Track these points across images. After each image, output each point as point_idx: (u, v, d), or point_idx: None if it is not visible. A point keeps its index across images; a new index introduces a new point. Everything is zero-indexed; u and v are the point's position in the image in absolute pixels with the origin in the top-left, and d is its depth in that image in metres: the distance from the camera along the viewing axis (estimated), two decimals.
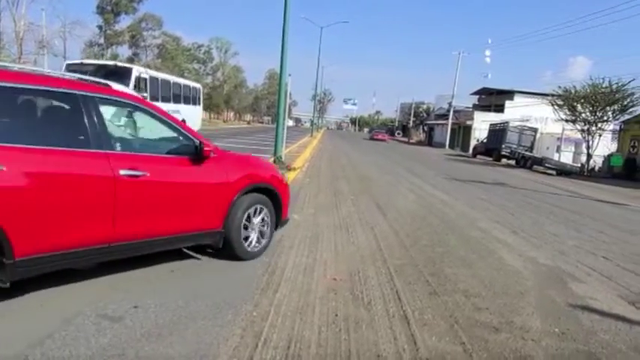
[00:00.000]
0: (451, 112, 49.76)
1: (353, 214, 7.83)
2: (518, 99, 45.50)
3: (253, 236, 4.78)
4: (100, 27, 48.51)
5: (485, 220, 8.57)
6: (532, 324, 3.79)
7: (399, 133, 76.89)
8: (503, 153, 32.49)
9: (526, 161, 28.92)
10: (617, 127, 28.75)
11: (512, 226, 8.10)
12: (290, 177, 11.12)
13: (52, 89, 3.39)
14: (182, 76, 60.42)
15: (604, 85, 26.61)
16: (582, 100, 27.40)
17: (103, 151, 3.44)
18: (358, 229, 6.79)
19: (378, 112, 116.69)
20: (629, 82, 26.00)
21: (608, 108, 26.54)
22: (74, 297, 3.51)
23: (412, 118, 74.77)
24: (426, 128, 69.65)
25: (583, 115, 27.54)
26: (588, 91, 27.24)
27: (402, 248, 5.89)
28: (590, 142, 27.65)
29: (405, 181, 14.26)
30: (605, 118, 26.93)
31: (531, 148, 33.02)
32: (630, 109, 26.25)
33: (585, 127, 27.59)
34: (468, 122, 47.23)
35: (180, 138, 4.21)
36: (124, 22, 50.07)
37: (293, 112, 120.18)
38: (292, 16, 12.38)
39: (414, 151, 38.07)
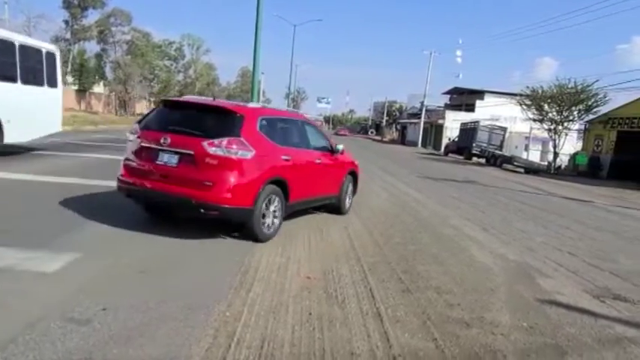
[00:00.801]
0: (423, 111, 50.41)
1: (326, 214, 7.83)
2: (488, 99, 46.45)
3: (347, 199, 7.91)
4: (66, 22, 47.14)
5: (457, 217, 8.71)
6: (502, 319, 3.87)
7: (372, 132, 77.39)
8: (474, 151, 33.10)
9: (496, 160, 29.55)
10: (583, 127, 29.65)
11: (483, 224, 8.26)
12: None
13: (296, 119, 6.96)
14: (153, 73, 59.60)
15: (570, 86, 27.39)
16: (549, 100, 28.13)
17: (310, 150, 6.78)
18: (332, 227, 6.80)
19: (351, 111, 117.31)
20: (594, 82, 26.88)
21: (573, 108, 27.33)
22: (39, 300, 3.40)
23: (385, 117, 75.38)
24: (399, 127, 70.35)
25: (550, 114, 28.28)
26: (555, 91, 27.98)
27: (375, 246, 5.93)
28: (557, 141, 28.43)
29: (379, 179, 14.36)
30: (571, 117, 27.72)
31: (501, 147, 33.74)
32: (594, 109, 27.08)
33: (552, 127, 28.34)
34: (440, 121, 47.93)
35: (324, 142, 7.36)
36: (92, 17, 48.81)
37: None
38: (266, 14, 12.32)
39: (387, 150, 38.38)
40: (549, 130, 28.75)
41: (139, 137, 5.55)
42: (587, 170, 26.21)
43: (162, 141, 5.17)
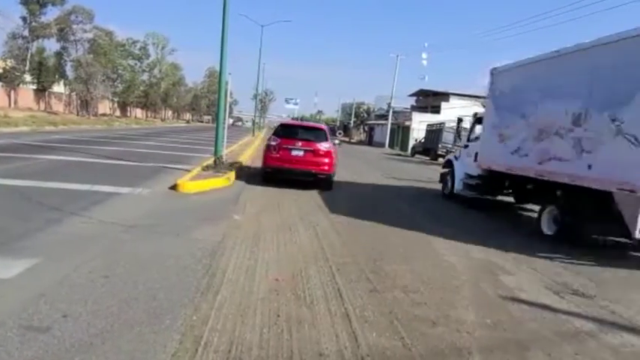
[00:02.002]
0: (390, 113, 50.99)
1: (295, 214, 7.83)
2: (453, 100, 47.41)
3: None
4: (24, 18, 45.30)
5: (423, 217, 8.85)
6: (467, 317, 3.96)
7: (340, 133, 77.67)
8: (439, 152, 33.63)
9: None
10: None
11: (449, 223, 8.42)
12: (232, 177, 10.94)
13: (318, 127, 12.78)
14: (116, 73, 58.10)
15: None
16: None
17: (318, 144, 11.05)
18: (300, 228, 6.79)
19: (319, 112, 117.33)
20: None
21: None
22: None
23: (353, 118, 75.86)
24: (366, 128, 70.87)
25: None
26: None
27: (343, 247, 5.96)
28: None
29: (346, 180, 14.43)
30: None
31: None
32: None
33: None
34: (407, 123, 48.59)
35: (324, 136, 11.34)
36: (52, 14, 47.04)
37: (234, 111, 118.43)
38: (233, 14, 12.18)
39: (354, 151, 38.61)
40: None
41: (280, 142, 11.08)
42: None
43: (298, 143, 11.00)
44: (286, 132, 11.51)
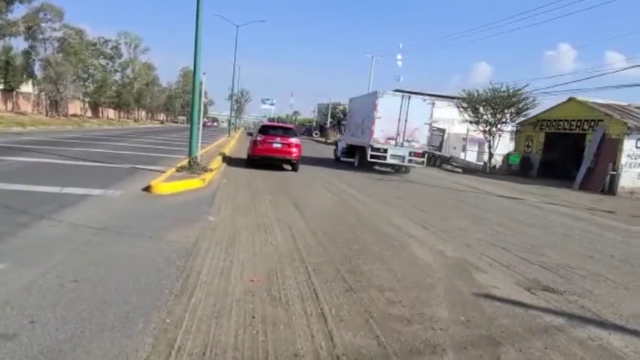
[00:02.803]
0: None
1: (270, 215, 7.79)
2: None
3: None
4: None
5: (398, 216, 8.94)
6: (441, 314, 4.01)
7: (316, 134, 77.73)
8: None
9: (435, 160, 30.57)
10: (515, 129, 31.28)
11: (423, 222, 8.52)
12: (207, 178, 10.83)
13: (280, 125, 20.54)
14: (87, 72, 56.82)
15: (502, 90, 28.86)
16: (484, 103, 29.47)
17: (289, 139, 15.96)
18: (276, 229, 6.77)
19: (296, 113, 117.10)
20: (524, 87, 28.55)
21: (506, 110, 28.79)
22: None
23: (329, 119, 75.95)
24: (343, 128, 71.18)
25: (485, 116, 29.62)
26: (489, 94, 29.35)
27: (319, 246, 5.96)
28: (492, 142, 29.84)
29: (321, 179, 14.47)
30: (504, 119, 29.17)
31: (440, 148, 34.92)
32: (525, 112, 28.68)
33: (487, 128, 29.70)
34: None
35: (293, 133, 16.74)
36: (19, 12, 45.62)
37: (210, 111, 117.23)
38: (208, 14, 12.07)
39: (330, 151, 38.67)
40: (484, 131, 30.13)
41: (263, 137, 15.66)
42: (519, 169, 27.65)
43: (279, 137, 15.83)
44: (267, 130, 16.71)
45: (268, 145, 15.58)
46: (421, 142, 19.33)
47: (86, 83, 58.86)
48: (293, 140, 15.94)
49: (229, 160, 17.70)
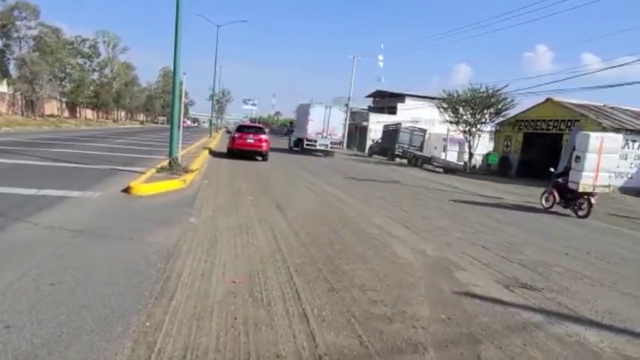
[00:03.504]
0: (348, 114, 51.42)
1: (252, 215, 7.76)
2: (409, 102, 48.45)
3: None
4: None
5: (380, 216, 8.99)
6: (422, 312, 4.05)
7: None
8: (396, 152, 34.31)
9: (417, 160, 30.81)
10: (494, 129, 31.78)
11: (405, 222, 8.58)
12: (188, 179, 10.72)
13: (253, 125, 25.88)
14: (64, 72, 55.71)
15: (481, 91, 29.29)
16: (463, 104, 29.85)
17: (260, 135, 20.38)
18: (258, 230, 6.74)
19: (277, 113, 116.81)
20: (503, 87, 29.03)
21: (485, 111, 29.22)
22: None
23: None
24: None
25: (464, 117, 30.01)
26: (469, 95, 29.75)
27: (301, 247, 5.95)
28: (472, 142, 30.25)
29: (305, 180, 14.46)
30: (483, 120, 29.61)
31: (421, 148, 35.25)
32: (504, 112, 29.15)
33: (467, 128, 30.10)
34: (364, 123, 49.19)
35: (263, 131, 21.57)
36: None
37: (190, 112, 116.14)
38: (188, 13, 11.94)
39: (310, 154, 38.67)
40: (464, 131, 30.52)
41: (239, 134, 20.29)
42: (498, 169, 28.10)
43: (252, 134, 20.13)
44: (243, 129, 21.43)
45: (243, 140, 20.09)
46: (339, 135, 29.86)
47: (63, 83, 57.73)
48: (263, 136, 20.39)
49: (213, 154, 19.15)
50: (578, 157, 11.87)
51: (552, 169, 13.38)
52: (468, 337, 3.66)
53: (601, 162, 11.56)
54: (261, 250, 5.62)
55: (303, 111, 30.84)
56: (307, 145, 28.71)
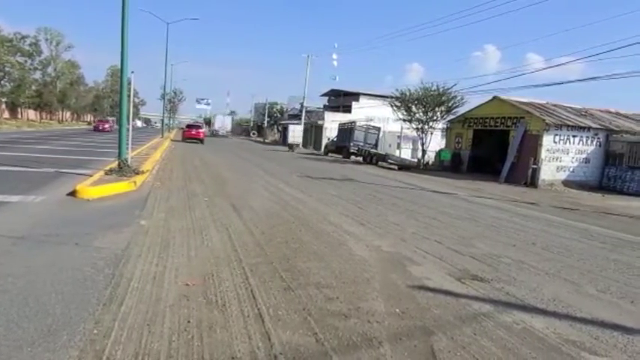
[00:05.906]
0: (303, 113, 51.43)
1: (207, 216, 7.62)
2: (363, 100, 49.04)
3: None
4: None
5: (336, 214, 9.04)
6: (377, 307, 4.10)
7: (254, 134, 77.04)
8: (351, 150, 34.62)
9: (372, 158, 31.22)
10: (445, 126, 32.66)
11: (360, 219, 8.67)
12: (138, 181, 10.39)
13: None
14: (2, 71, 52.73)
15: (433, 89, 30.03)
16: (416, 102, 30.51)
17: (199, 130, 41.75)
18: (212, 230, 6.62)
19: (232, 112, 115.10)
20: (453, 86, 29.88)
21: (436, 109, 29.98)
22: None
23: (267, 119, 75.49)
24: (280, 128, 70.94)
25: (417, 115, 30.67)
26: (420, 93, 30.43)
27: (257, 247, 5.90)
28: (425, 139, 30.96)
29: (260, 179, 14.35)
30: (435, 117, 30.36)
31: (376, 146, 35.72)
32: (454, 110, 30.01)
33: (420, 126, 30.78)
34: (320, 122, 49.32)
35: (201, 127, 44.08)
36: None
37: (142, 112, 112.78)
38: (137, 11, 11.60)
39: (268, 151, 38.45)
40: (417, 129, 31.19)
41: (188, 129, 40.86)
42: (450, 165, 28.89)
43: (194, 129, 40.81)
44: (189, 126, 41.19)
45: (189, 132, 39.02)
46: (228, 129, 72.77)
47: (2, 82, 54.71)
48: (201, 130, 39.99)
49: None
50: None
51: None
52: (421, 329, 3.73)
53: None
54: (216, 252, 5.52)
55: (218, 118, 75.48)
56: (214, 135, 63.30)
